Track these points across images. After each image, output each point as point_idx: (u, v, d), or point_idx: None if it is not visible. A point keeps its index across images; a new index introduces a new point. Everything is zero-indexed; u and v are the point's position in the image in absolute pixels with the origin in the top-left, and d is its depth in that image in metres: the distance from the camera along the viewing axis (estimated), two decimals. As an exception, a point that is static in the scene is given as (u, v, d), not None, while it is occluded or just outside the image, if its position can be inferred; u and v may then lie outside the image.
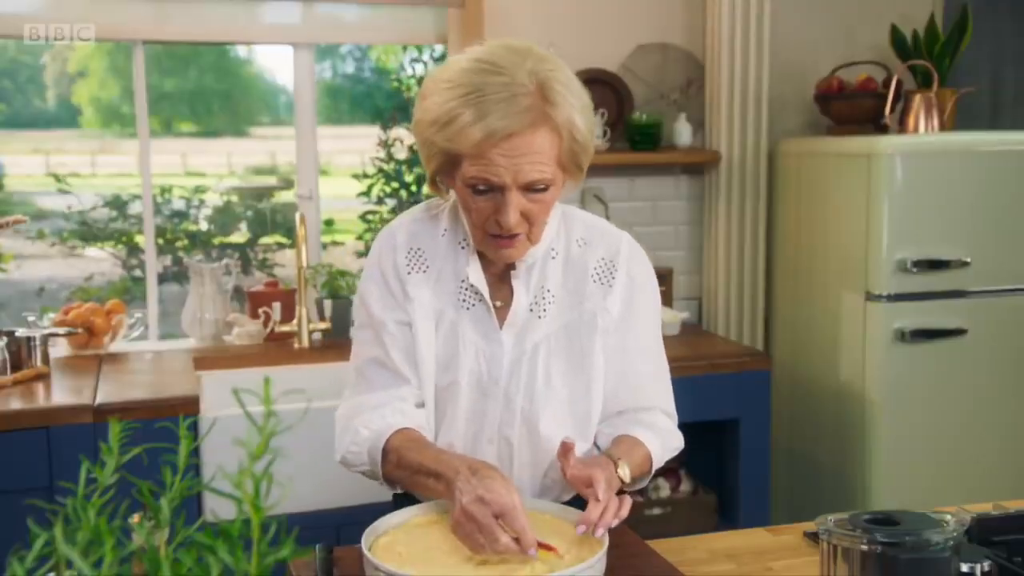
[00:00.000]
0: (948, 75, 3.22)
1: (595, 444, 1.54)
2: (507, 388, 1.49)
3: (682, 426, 1.60)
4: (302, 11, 3.15)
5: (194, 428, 2.36)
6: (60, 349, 2.87)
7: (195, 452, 2.17)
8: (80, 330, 2.82)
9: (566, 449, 1.36)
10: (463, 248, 1.52)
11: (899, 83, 3.20)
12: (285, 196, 4.19)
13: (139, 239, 3.66)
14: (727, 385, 2.88)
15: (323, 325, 2.99)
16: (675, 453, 1.59)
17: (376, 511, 1.40)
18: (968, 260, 2.92)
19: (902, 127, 3.15)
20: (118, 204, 4.04)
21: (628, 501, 1.32)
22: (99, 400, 2.37)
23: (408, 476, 1.41)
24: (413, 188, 4.18)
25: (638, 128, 3.19)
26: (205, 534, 0.70)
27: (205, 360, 2.85)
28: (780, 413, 3.23)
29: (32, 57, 3.80)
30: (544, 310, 1.51)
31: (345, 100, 4.22)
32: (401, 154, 4.13)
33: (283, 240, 4.14)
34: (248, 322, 3.02)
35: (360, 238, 4.11)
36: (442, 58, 3.51)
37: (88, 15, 2.86)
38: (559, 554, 1.25)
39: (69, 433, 2.29)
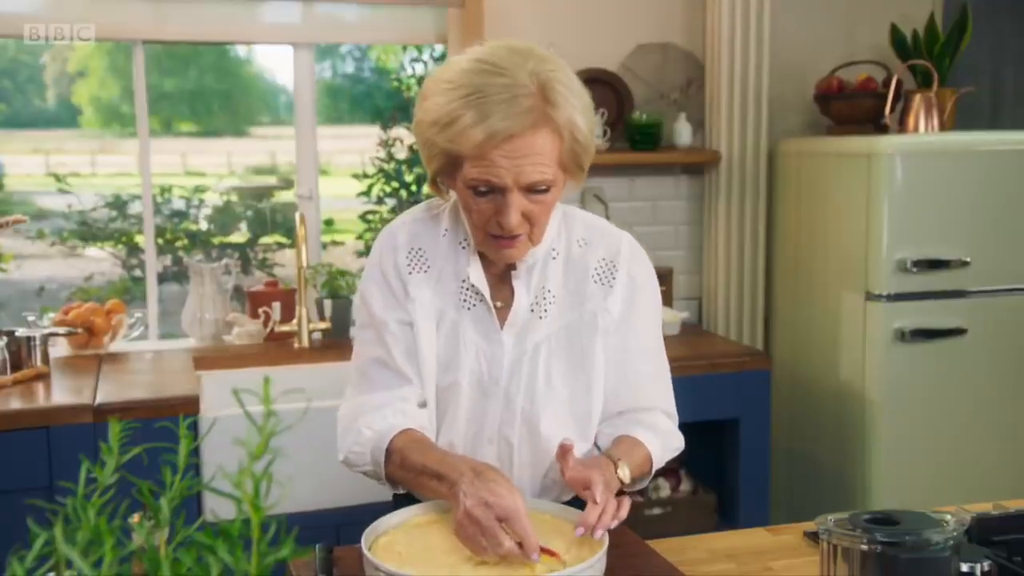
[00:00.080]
0: (948, 75, 3.22)
1: (595, 444, 1.54)
2: (507, 388, 1.49)
3: (682, 426, 1.60)
4: (302, 11, 3.14)
5: (194, 428, 2.36)
6: (60, 349, 2.87)
7: (195, 452, 2.16)
8: (80, 330, 2.82)
9: (565, 450, 1.36)
10: (464, 248, 1.52)
11: (899, 83, 3.20)
12: (285, 196, 4.19)
13: (139, 239, 3.66)
14: (727, 385, 2.88)
15: (323, 325, 2.99)
16: (676, 454, 1.59)
17: (376, 511, 1.40)
18: (968, 260, 2.92)
19: (902, 127, 3.15)
20: (118, 204, 4.04)
21: (627, 502, 1.32)
22: (99, 400, 2.37)
23: (411, 477, 1.41)
24: (413, 188, 4.18)
25: (638, 128, 3.19)
26: (205, 534, 0.70)
27: (205, 360, 2.85)
28: (780, 413, 3.23)
29: (32, 57, 3.80)
30: (545, 310, 1.51)
31: (345, 100, 4.22)
32: (401, 154, 4.13)
33: (283, 240, 4.15)
34: (248, 322, 3.02)
35: (360, 238, 4.11)
36: (442, 58, 3.51)
37: (88, 15, 2.86)
38: (561, 559, 1.25)
39: (69, 433, 2.29)
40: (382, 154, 4.14)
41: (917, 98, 3.13)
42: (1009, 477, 3.01)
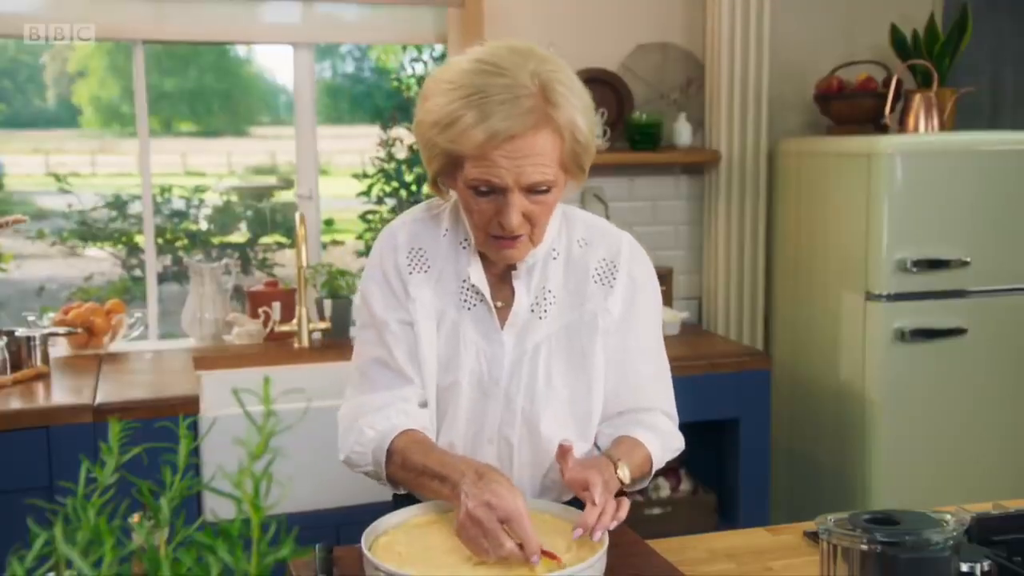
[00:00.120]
0: (948, 75, 3.22)
1: (595, 445, 1.54)
2: (508, 388, 1.49)
3: (682, 426, 1.60)
4: (302, 11, 3.14)
5: (194, 428, 2.36)
6: (60, 349, 2.87)
7: (195, 452, 2.17)
8: (80, 330, 2.82)
9: (564, 451, 1.36)
10: (464, 248, 1.52)
11: (899, 83, 3.20)
12: (285, 196, 4.20)
13: (139, 239, 3.66)
14: (727, 385, 2.88)
15: (323, 325, 2.99)
16: (676, 454, 1.59)
17: (376, 511, 1.40)
18: (968, 260, 2.92)
19: (902, 127, 3.15)
20: (118, 204, 4.04)
21: (626, 503, 1.32)
22: (99, 400, 2.37)
23: (412, 478, 1.41)
24: (413, 188, 4.18)
25: (638, 128, 3.19)
26: (205, 534, 0.70)
27: (205, 360, 2.85)
28: (780, 413, 3.23)
29: (32, 57, 3.80)
30: (545, 311, 1.51)
31: (345, 100, 4.22)
32: (401, 154, 4.13)
33: (283, 240, 4.15)
34: (248, 322, 3.02)
35: (360, 238, 4.11)
36: (442, 58, 3.51)
37: (88, 15, 2.86)
38: (561, 563, 1.25)
39: (69, 433, 2.29)
40: (382, 154, 4.15)
41: (917, 98, 3.13)
42: (1009, 477, 3.01)
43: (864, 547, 1.17)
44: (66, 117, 4.04)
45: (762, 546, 1.52)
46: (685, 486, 3.11)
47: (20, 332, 2.64)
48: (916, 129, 3.11)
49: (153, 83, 3.30)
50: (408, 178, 4.20)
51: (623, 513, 1.31)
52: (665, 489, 3.07)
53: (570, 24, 3.21)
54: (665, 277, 3.24)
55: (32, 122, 3.95)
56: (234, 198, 4.29)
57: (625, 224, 1.79)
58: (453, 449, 1.49)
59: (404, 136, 4.05)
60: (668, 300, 3.27)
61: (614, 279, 1.53)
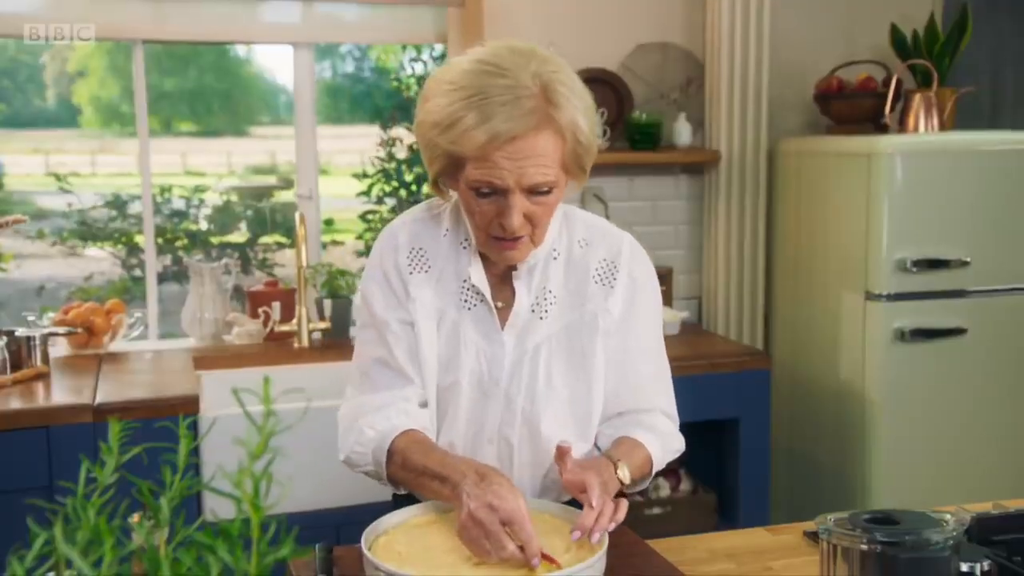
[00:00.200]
0: (948, 75, 3.22)
1: (595, 445, 1.54)
2: (508, 389, 1.49)
3: (682, 426, 1.60)
4: (302, 10, 3.14)
5: (194, 428, 2.36)
6: (60, 349, 2.87)
7: (195, 452, 2.17)
8: (80, 330, 2.82)
9: (562, 453, 1.36)
10: (465, 248, 1.52)
11: (899, 83, 3.20)
12: (285, 196, 4.20)
13: (139, 239, 3.66)
14: (727, 385, 2.88)
15: (323, 325, 2.99)
16: (676, 455, 1.58)
17: (376, 511, 1.40)
18: (968, 260, 2.92)
19: (902, 127, 3.15)
20: (118, 204, 4.04)
21: (624, 505, 1.32)
22: (99, 400, 2.37)
23: (413, 478, 1.41)
24: (413, 188, 4.18)
25: (638, 127, 3.19)
26: (205, 533, 0.70)
27: (205, 360, 2.85)
28: (780, 413, 3.23)
29: (32, 56, 3.80)
30: (545, 311, 1.51)
31: (345, 100, 4.22)
32: (401, 154, 4.13)
33: (283, 240, 4.15)
34: (248, 322, 3.02)
35: (360, 238, 4.11)
36: (442, 58, 3.51)
37: (88, 15, 2.86)
38: (560, 567, 1.25)
39: (69, 433, 2.29)
40: (382, 154, 4.14)
41: (917, 98, 3.13)
42: (1009, 477, 3.01)
43: (864, 547, 1.17)
44: (66, 117, 4.04)
45: (762, 546, 1.52)
46: (685, 486, 3.11)
47: (20, 332, 2.64)
48: (916, 129, 3.11)
49: (153, 83, 3.30)
50: (408, 178, 4.20)
51: (621, 514, 1.31)
52: (665, 489, 3.07)
53: (570, 24, 3.21)
54: (665, 277, 3.24)
55: (32, 122, 3.95)
56: (234, 198, 4.29)
57: (625, 224, 1.79)
58: (453, 449, 1.49)
59: (404, 136, 4.05)
60: (668, 300, 3.28)
61: (614, 279, 1.52)
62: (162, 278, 3.48)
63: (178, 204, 4.20)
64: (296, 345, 2.92)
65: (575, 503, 1.35)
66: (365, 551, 1.26)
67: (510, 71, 1.33)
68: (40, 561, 0.71)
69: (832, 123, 3.36)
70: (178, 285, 3.85)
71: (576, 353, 1.50)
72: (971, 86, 3.26)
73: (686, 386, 1.71)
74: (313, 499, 2.41)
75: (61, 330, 2.78)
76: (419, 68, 4.13)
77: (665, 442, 1.53)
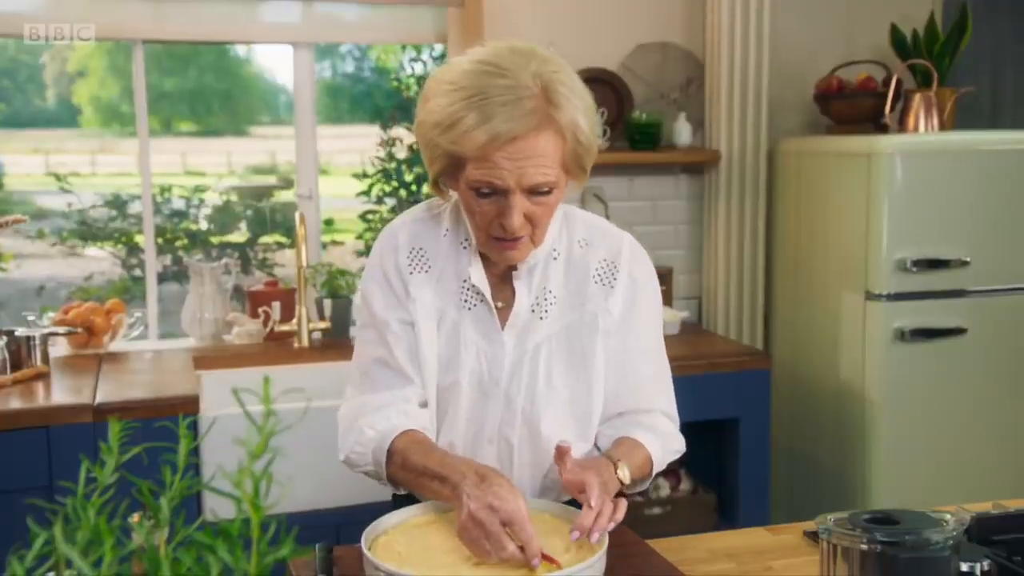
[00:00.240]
0: (948, 74, 3.22)
1: (595, 446, 1.54)
2: (508, 389, 1.49)
3: (682, 425, 1.60)
4: (302, 10, 3.14)
5: (194, 427, 2.36)
6: (60, 348, 2.87)
7: (195, 451, 2.16)
8: (80, 329, 2.82)
9: (561, 453, 1.36)
10: (465, 248, 1.52)
11: (899, 82, 3.20)
12: (285, 195, 4.19)
13: (139, 238, 3.66)
14: (727, 384, 2.88)
15: (323, 324, 2.99)
16: (676, 456, 1.58)
17: (376, 511, 1.40)
18: (968, 259, 2.92)
19: (902, 126, 3.15)
20: (118, 203, 4.04)
21: (623, 504, 1.32)
22: (99, 399, 2.37)
23: (412, 478, 1.41)
24: (413, 188, 4.18)
25: (638, 127, 3.19)
26: (205, 533, 0.70)
27: (205, 359, 2.85)
28: (780, 412, 3.23)
29: (32, 56, 3.80)
30: (545, 311, 1.51)
31: (345, 99, 4.22)
32: (401, 153, 4.13)
33: (283, 239, 4.14)
34: (248, 321, 3.02)
35: (360, 237, 4.11)
36: (441, 58, 3.51)
37: (88, 15, 2.86)
38: (560, 567, 1.25)
39: (69, 432, 2.29)
40: (382, 154, 4.14)
41: (917, 98, 3.13)
42: (1009, 477, 3.01)
43: (864, 547, 1.17)
44: (66, 117, 4.04)
45: (762, 546, 1.52)
46: (685, 486, 3.11)
47: (20, 332, 2.64)
48: (916, 129, 3.11)
49: (153, 83, 3.30)
50: (408, 178, 4.19)
51: (620, 514, 1.31)
52: (665, 489, 3.07)
53: (570, 24, 3.21)
54: (665, 277, 3.24)
55: (32, 122, 3.95)
56: (234, 198, 4.29)
57: (625, 224, 1.79)
58: (453, 449, 1.49)
59: (404, 136, 4.05)
60: (668, 300, 3.28)
61: (615, 279, 1.52)
62: (162, 278, 3.48)
63: (178, 204, 4.20)
64: (296, 345, 2.92)
65: (575, 503, 1.35)
66: (365, 551, 1.26)
67: (510, 71, 1.33)
68: (40, 561, 0.71)
69: (832, 123, 3.36)
70: (178, 285, 3.85)
71: (576, 353, 1.50)
72: (971, 86, 3.26)
73: (686, 386, 1.71)
74: (313, 499, 2.41)
75: (61, 330, 2.78)
76: (419, 68, 4.13)
77: (665, 442, 1.53)
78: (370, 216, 4.13)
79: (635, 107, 3.27)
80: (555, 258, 1.53)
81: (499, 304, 1.50)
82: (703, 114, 3.34)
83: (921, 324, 2.91)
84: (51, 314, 2.89)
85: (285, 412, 0.71)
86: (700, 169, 3.39)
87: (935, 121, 3.10)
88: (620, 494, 1.38)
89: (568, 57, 1.49)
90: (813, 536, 1.47)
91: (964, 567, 1.19)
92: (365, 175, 4.17)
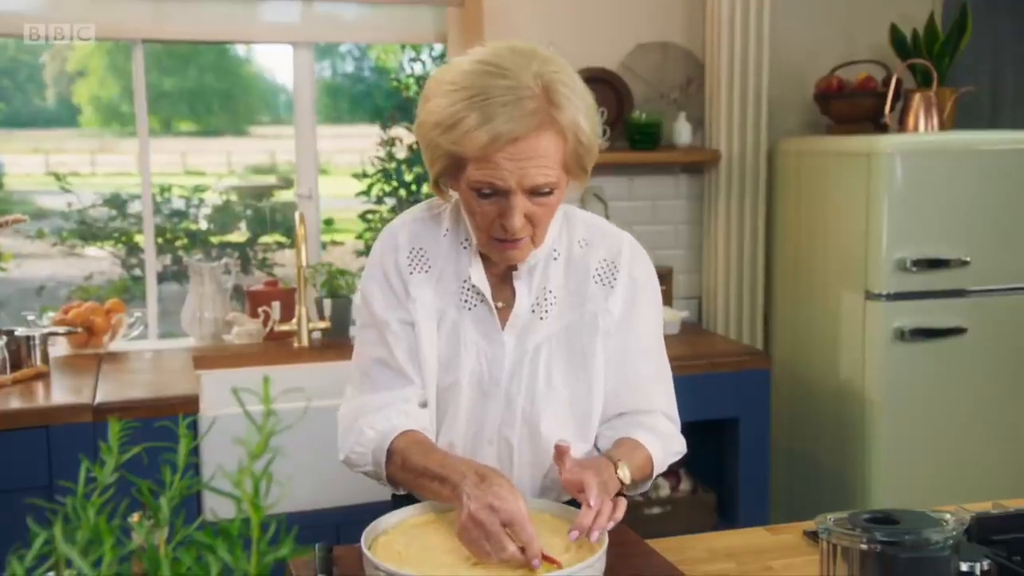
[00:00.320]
0: (948, 74, 3.22)
1: (595, 446, 1.53)
2: (508, 389, 1.49)
3: (682, 425, 1.60)
4: (301, 10, 3.14)
5: (194, 427, 2.36)
6: (60, 348, 2.87)
7: (194, 451, 2.16)
8: (80, 329, 2.82)
9: (561, 452, 1.36)
10: (465, 248, 1.52)
11: (899, 82, 3.20)
12: (285, 195, 4.19)
13: (139, 238, 3.66)
14: (727, 384, 2.88)
15: (323, 324, 2.99)
16: (677, 457, 1.58)
17: (375, 510, 1.40)
18: (968, 259, 2.92)
19: (902, 126, 3.15)
20: (118, 203, 4.04)
21: (623, 504, 1.32)
22: (99, 399, 2.37)
23: (412, 478, 1.41)
24: (413, 188, 4.18)
25: (638, 127, 3.19)
26: (204, 533, 0.70)
27: (205, 359, 2.85)
28: (780, 412, 3.23)
29: (32, 56, 3.79)
30: (546, 311, 1.51)
31: (345, 99, 4.21)
32: (401, 153, 4.13)
33: (283, 239, 4.14)
34: (248, 321, 3.02)
35: (360, 237, 4.11)
36: (441, 58, 3.51)
37: (88, 14, 2.86)
38: (561, 567, 1.25)
39: (69, 432, 2.29)
40: (382, 154, 4.14)
41: (917, 97, 3.13)
42: (1009, 477, 3.01)
43: (864, 546, 1.17)
44: (66, 116, 4.03)
45: (762, 545, 1.52)
46: (685, 485, 3.11)
47: (20, 331, 2.64)
48: (916, 129, 3.11)
49: (153, 82, 3.30)
50: (408, 178, 4.19)
51: (620, 513, 1.30)
52: (665, 488, 3.07)
53: (570, 23, 3.21)
54: (665, 276, 3.24)
55: (32, 121, 3.95)
56: (234, 198, 4.29)
57: (625, 223, 1.79)
58: (453, 449, 1.49)
59: (404, 136, 4.05)
60: (668, 299, 3.28)
61: (615, 279, 1.52)
62: (162, 278, 3.48)
63: (178, 204, 4.20)
64: (296, 345, 2.92)
65: (575, 503, 1.35)
66: (365, 551, 1.26)
67: (511, 71, 1.33)
68: (40, 561, 0.71)
69: (832, 123, 3.36)
70: (178, 285, 3.85)
71: (576, 353, 1.50)
72: (971, 86, 3.26)
73: (686, 386, 1.71)
74: (313, 499, 2.41)
75: (61, 330, 2.78)
76: (419, 68, 4.13)
77: (666, 443, 1.53)
78: (370, 216, 4.13)
79: (635, 107, 3.27)
80: (555, 258, 1.53)
81: (499, 304, 1.50)
82: (703, 114, 3.34)
83: (921, 324, 2.91)
84: (51, 314, 2.89)
85: (285, 412, 0.71)
86: (700, 169, 3.39)
87: (935, 121, 3.10)
88: (620, 495, 1.38)
89: (568, 57, 1.49)
90: (813, 536, 1.47)
91: (964, 567, 1.19)
92: (365, 175, 4.17)
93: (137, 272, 3.94)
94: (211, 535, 0.69)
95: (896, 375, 2.92)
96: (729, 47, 3.21)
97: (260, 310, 3.02)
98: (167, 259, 3.95)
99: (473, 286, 1.50)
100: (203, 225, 4.26)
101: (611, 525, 1.29)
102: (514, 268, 1.50)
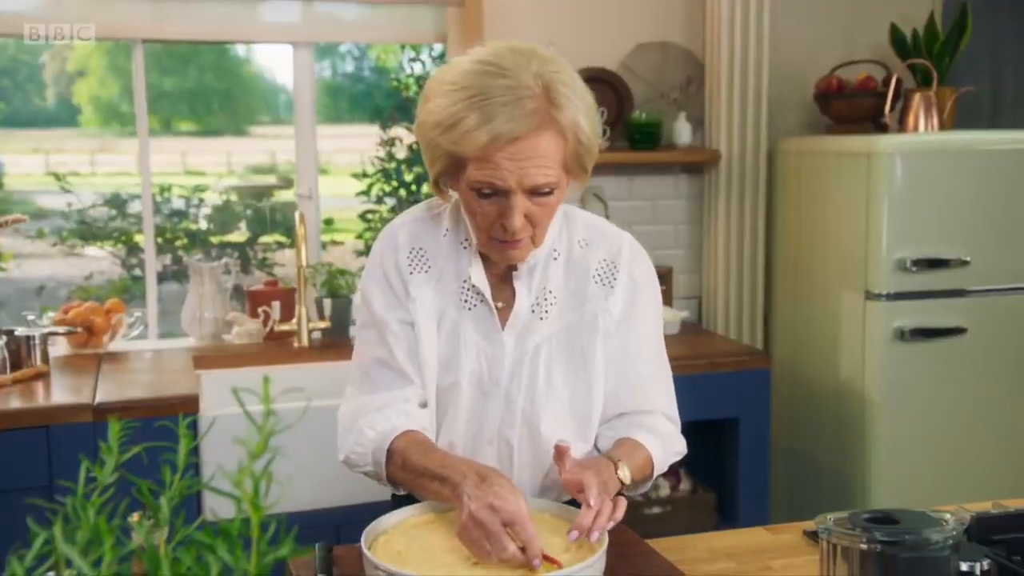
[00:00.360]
0: (948, 74, 3.22)
1: (596, 447, 1.53)
2: (508, 389, 1.49)
3: (682, 425, 1.60)
4: (301, 10, 3.15)
5: (193, 427, 2.36)
6: (60, 348, 2.87)
7: (194, 451, 2.17)
8: (80, 329, 2.82)
9: (560, 452, 1.36)
10: (465, 248, 1.52)
11: (899, 82, 3.20)
12: (285, 195, 4.19)
13: (139, 238, 3.66)
14: (727, 384, 2.88)
15: (322, 324, 2.99)
16: (677, 458, 1.58)
17: (375, 510, 1.40)
18: (968, 259, 2.92)
19: (902, 126, 3.15)
20: (117, 203, 4.04)
21: (623, 504, 1.31)
22: (99, 399, 2.37)
23: (412, 479, 1.41)
24: (413, 187, 4.18)
25: (638, 127, 3.19)
26: (204, 533, 0.70)
27: (204, 359, 2.85)
28: (780, 412, 3.23)
29: (32, 56, 3.79)
30: (546, 311, 1.51)
31: (344, 99, 4.21)
32: (401, 153, 4.13)
33: (282, 239, 4.14)
34: (247, 321, 3.02)
35: (360, 237, 4.11)
36: (441, 57, 3.51)
37: (88, 14, 2.86)
38: (561, 565, 1.25)
39: (68, 432, 2.29)
40: (382, 153, 4.14)
41: (917, 97, 3.13)
42: (1009, 477, 3.01)
43: (864, 546, 1.17)
44: (66, 116, 4.03)
45: (762, 545, 1.52)
46: (685, 485, 3.11)
47: (20, 331, 2.64)
48: (916, 128, 3.11)
49: (153, 82, 3.30)
50: (408, 178, 4.19)
51: (620, 513, 1.30)
52: (665, 488, 3.07)
53: (570, 23, 3.21)
54: (665, 276, 3.24)
55: (32, 121, 3.95)
56: (234, 197, 4.29)
57: (625, 223, 1.79)
58: (453, 449, 1.49)
59: (404, 136, 4.05)
60: (668, 299, 3.28)
61: (615, 279, 1.52)
62: (162, 278, 3.48)
63: (178, 204, 4.20)
64: (296, 345, 2.92)
65: (575, 503, 1.35)
66: (365, 551, 1.26)
67: (511, 71, 1.33)
68: (40, 561, 0.71)
69: (832, 123, 3.36)
70: (178, 285, 3.85)
71: (576, 353, 1.50)
72: (971, 86, 3.26)
73: (686, 386, 1.71)
74: (313, 499, 2.41)
75: (61, 329, 2.78)
76: (418, 68, 4.13)
77: (666, 444, 1.53)
78: (370, 216, 4.13)
79: (635, 107, 3.27)
80: (555, 258, 1.53)
81: (499, 304, 1.50)
82: (703, 114, 3.34)
83: (921, 324, 2.91)
84: (51, 314, 2.89)
85: (285, 412, 0.71)
86: (700, 169, 3.39)
87: (935, 121, 3.10)
88: (620, 495, 1.38)
89: (568, 57, 1.49)
90: (813, 536, 1.47)
91: (964, 567, 1.19)
92: (365, 175, 4.17)
93: (137, 272, 3.94)
94: (211, 535, 0.69)
95: (896, 375, 2.92)
96: (729, 47, 3.21)
97: (260, 310, 3.02)
98: (167, 259, 3.95)
99: (473, 286, 1.49)
100: (203, 225, 4.26)
101: (611, 525, 1.29)
102: (514, 268, 1.50)
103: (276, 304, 2.98)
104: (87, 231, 4.01)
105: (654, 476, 1.51)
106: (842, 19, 3.47)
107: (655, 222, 3.39)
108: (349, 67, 4.26)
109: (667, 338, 1.65)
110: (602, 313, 1.51)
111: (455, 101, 1.34)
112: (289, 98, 3.37)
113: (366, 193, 4.16)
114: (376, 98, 4.25)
